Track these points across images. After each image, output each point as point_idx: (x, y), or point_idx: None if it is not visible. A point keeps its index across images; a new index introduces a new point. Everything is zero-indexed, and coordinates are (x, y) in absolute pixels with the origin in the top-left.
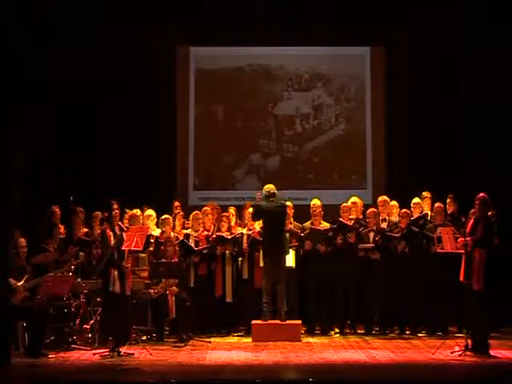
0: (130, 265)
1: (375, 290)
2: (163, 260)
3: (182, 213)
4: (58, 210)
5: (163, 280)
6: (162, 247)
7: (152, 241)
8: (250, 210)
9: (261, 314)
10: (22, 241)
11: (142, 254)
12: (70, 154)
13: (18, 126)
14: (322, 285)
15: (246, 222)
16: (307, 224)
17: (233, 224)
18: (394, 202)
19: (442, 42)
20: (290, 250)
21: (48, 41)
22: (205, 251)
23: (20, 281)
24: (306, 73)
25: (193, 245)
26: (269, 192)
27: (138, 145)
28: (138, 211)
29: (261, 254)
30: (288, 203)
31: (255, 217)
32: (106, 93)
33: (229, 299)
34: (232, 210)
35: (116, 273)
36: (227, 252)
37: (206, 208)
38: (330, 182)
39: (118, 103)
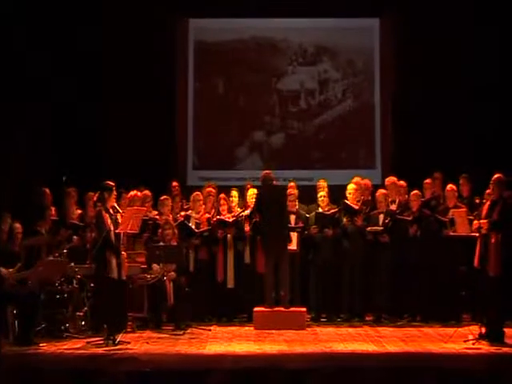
0: (125, 248)
1: (384, 275)
2: (161, 243)
3: (235, 191)
4: (48, 191)
5: (161, 265)
6: (162, 230)
7: (149, 222)
8: (252, 191)
9: (263, 300)
10: (18, 226)
11: (139, 238)
12: (62, 132)
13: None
14: (327, 270)
15: (248, 203)
16: (313, 206)
17: (235, 205)
18: (402, 182)
19: (455, 14)
20: (293, 233)
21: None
22: (206, 234)
23: (11, 268)
24: (312, 46)
25: (193, 227)
26: (268, 178)
27: (134, 122)
28: (135, 192)
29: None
30: (292, 184)
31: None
32: (102, 67)
33: (230, 285)
34: (234, 191)
35: (111, 257)
36: (229, 235)
37: (209, 189)
38: (337, 161)
39: (114, 78)
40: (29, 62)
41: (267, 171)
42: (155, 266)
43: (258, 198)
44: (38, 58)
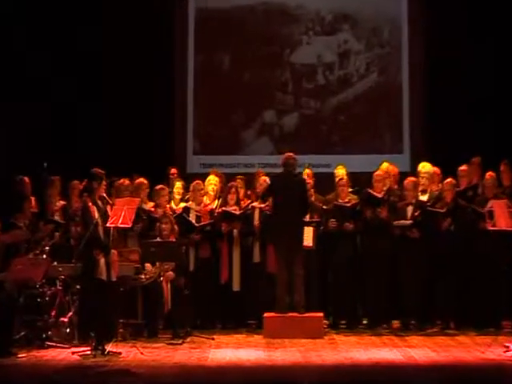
0: (115, 245)
1: (413, 275)
2: (157, 239)
3: (179, 182)
4: (28, 179)
5: (157, 263)
6: (159, 224)
7: (144, 216)
8: (263, 178)
9: (275, 305)
10: None
11: (132, 232)
12: (44, 113)
13: None
14: (348, 269)
15: (258, 192)
16: (331, 196)
17: (241, 195)
18: (435, 169)
19: None
20: (308, 228)
21: None
22: (207, 228)
23: None
24: (330, 13)
25: (193, 221)
26: (288, 162)
27: (127, 102)
28: (125, 180)
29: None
30: (307, 171)
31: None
32: (102, 61)
33: (236, 287)
34: (240, 180)
35: (99, 255)
36: (235, 230)
37: (210, 177)
38: (359, 145)
39: (110, 52)
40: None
41: (290, 154)
42: (149, 266)
43: (272, 184)
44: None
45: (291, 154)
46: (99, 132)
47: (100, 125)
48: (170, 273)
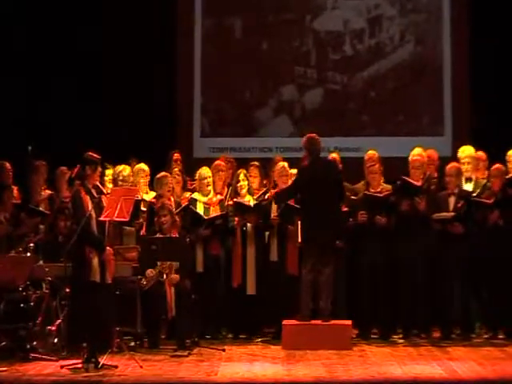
0: (111, 242)
1: (456, 276)
2: (159, 235)
3: (179, 168)
4: (9, 165)
5: (158, 263)
6: (158, 217)
7: (143, 208)
8: (282, 164)
9: (296, 311)
10: None
11: (130, 227)
12: (28, 86)
13: None
14: (380, 271)
15: (276, 181)
16: (360, 185)
17: (256, 185)
18: (479, 154)
19: None
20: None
21: None
22: (217, 221)
23: None
24: None
25: (201, 213)
26: (315, 145)
27: (125, 76)
28: (124, 167)
29: (298, 227)
30: (333, 155)
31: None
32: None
33: (251, 291)
34: (255, 167)
35: (92, 253)
36: (249, 224)
37: (218, 162)
38: (393, 126)
39: (108, 19)
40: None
41: (312, 134)
42: (150, 271)
43: (300, 176)
44: None
45: (313, 134)
46: (91, 109)
47: (93, 100)
48: (175, 275)
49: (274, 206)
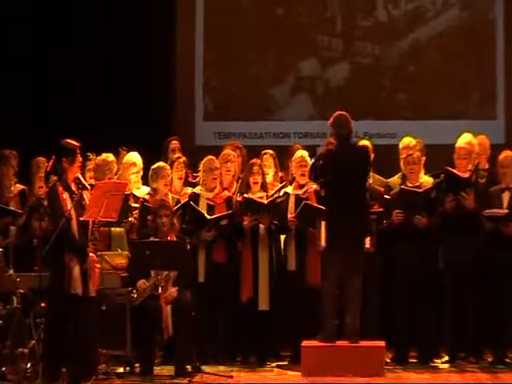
0: (95, 247)
1: (511, 288)
2: (153, 238)
3: (184, 159)
4: None
5: (153, 273)
6: (155, 217)
7: (135, 205)
8: (301, 154)
9: (318, 330)
10: None
11: (118, 229)
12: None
13: None
14: (420, 281)
15: (294, 173)
16: (396, 179)
17: (270, 179)
18: None
19: None
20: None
21: None
22: (223, 222)
23: None
24: None
25: (205, 212)
26: (344, 126)
27: (114, 48)
28: (109, 156)
29: (321, 229)
30: (364, 142)
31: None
32: None
33: (263, 306)
34: (269, 156)
35: (73, 260)
36: (261, 226)
37: (225, 151)
38: (436, 107)
39: None
40: None
41: (341, 112)
42: (142, 283)
43: (327, 162)
44: None
45: (342, 112)
46: (72, 85)
47: (74, 73)
48: (172, 289)
49: (292, 204)
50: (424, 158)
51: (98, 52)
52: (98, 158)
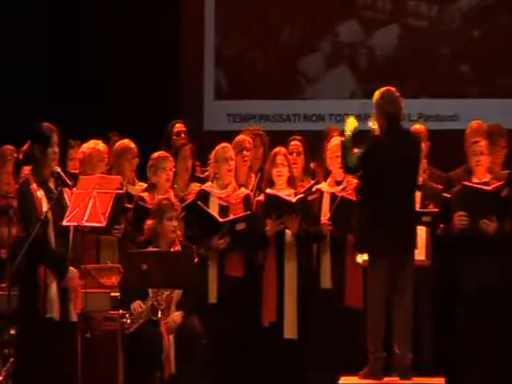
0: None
1: None
2: (151, 248)
3: (190, 146)
4: None
5: (151, 293)
6: (152, 221)
7: (129, 206)
8: (339, 140)
9: (360, 363)
10: None
11: (108, 236)
12: None
13: None
14: (488, 301)
15: (329, 165)
16: (459, 173)
17: (299, 172)
18: None
19: None
20: (423, 227)
21: None
22: (240, 226)
23: None
24: None
25: (216, 213)
26: (393, 104)
27: (101, 12)
28: (99, 143)
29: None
30: (418, 126)
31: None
32: None
33: (290, 333)
34: (297, 142)
35: (49, 277)
36: (288, 232)
37: (241, 138)
38: (508, 83)
39: None
40: None
41: (389, 87)
42: (137, 305)
43: (368, 151)
44: None
45: (389, 87)
46: (52, 61)
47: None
48: (176, 314)
49: (327, 204)
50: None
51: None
52: (85, 145)
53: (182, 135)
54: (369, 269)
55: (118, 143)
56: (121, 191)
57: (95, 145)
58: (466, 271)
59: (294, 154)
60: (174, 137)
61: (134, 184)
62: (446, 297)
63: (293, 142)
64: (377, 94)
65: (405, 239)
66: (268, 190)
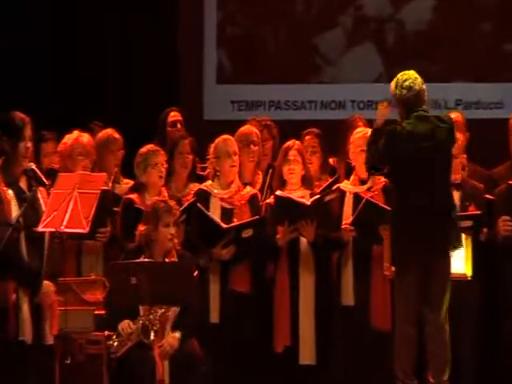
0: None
1: None
2: (143, 258)
3: (189, 139)
4: None
5: (142, 310)
6: (144, 225)
7: (116, 209)
8: (363, 131)
9: None
10: None
11: (91, 244)
12: None
13: None
14: None
15: (352, 161)
16: (503, 170)
17: (316, 169)
18: None
19: None
20: (462, 236)
21: None
22: (246, 233)
23: None
24: None
25: (218, 218)
26: (409, 88)
27: None
28: (84, 135)
29: (386, 245)
30: (455, 114)
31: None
32: None
33: (307, 358)
34: (312, 137)
35: (20, 292)
36: (303, 239)
37: (247, 129)
38: None
39: None
40: None
41: (408, 72)
42: (126, 325)
43: (388, 142)
44: None
45: (413, 73)
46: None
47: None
48: (172, 336)
49: (349, 207)
50: None
51: None
52: (67, 136)
53: (179, 126)
54: (395, 280)
55: (100, 133)
56: (107, 187)
57: (78, 136)
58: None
59: (309, 153)
60: (168, 128)
61: (118, 182)
62: (488, 312)
63: (307, 137)
64: (393, 81)
65: (436, 243)
66: (278, 192)
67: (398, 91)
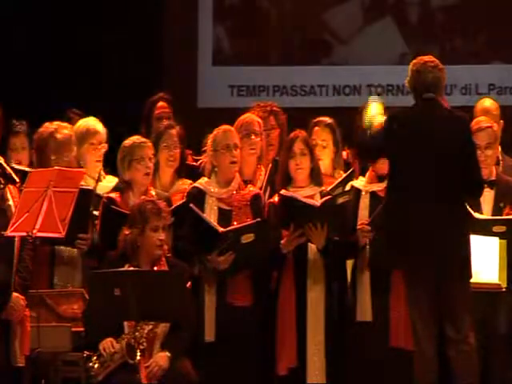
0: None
1: None
2: (127, 267)
3: (178, 129)
4: None
5: (126, 326)
6: (129, 229)
7: (95, 213)
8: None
9: None
10: None
11: (68, 250)
12: None
13: None
14: None
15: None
16: None
17: (327, 164)
18: None
19: None
20: (495, 240)
21: None
22: (247, 239)
23: None
24: None
25: (214, 220)
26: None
27: None
28: (65, 126)
29: None
30: (488, 102)
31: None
32: None
33: (316, 378)
34: (322, 128)
35: None
36: (312, 246)
37: (248, 118)
38: None
39: None
40: None
41: (427, 58)
42: (108, 344)
43: (389, 131)
44: None
45: (431, 58)
46: None
47: None
48: (161, 355)
49: (365, 207)
50: None
51: None
52: (44, 127)
53: (166, 115)
54: (407, 294)
55: (78, 124)
56: (88, 187)
57: (59, 127)
58: None
59: (319, 146)
60: (154, 117)
61: (100, 179)
62: None
63: (317, 128)
64: (412, 68)
65: (453, 252)
66: (283, 191)
67: (409, 79)
